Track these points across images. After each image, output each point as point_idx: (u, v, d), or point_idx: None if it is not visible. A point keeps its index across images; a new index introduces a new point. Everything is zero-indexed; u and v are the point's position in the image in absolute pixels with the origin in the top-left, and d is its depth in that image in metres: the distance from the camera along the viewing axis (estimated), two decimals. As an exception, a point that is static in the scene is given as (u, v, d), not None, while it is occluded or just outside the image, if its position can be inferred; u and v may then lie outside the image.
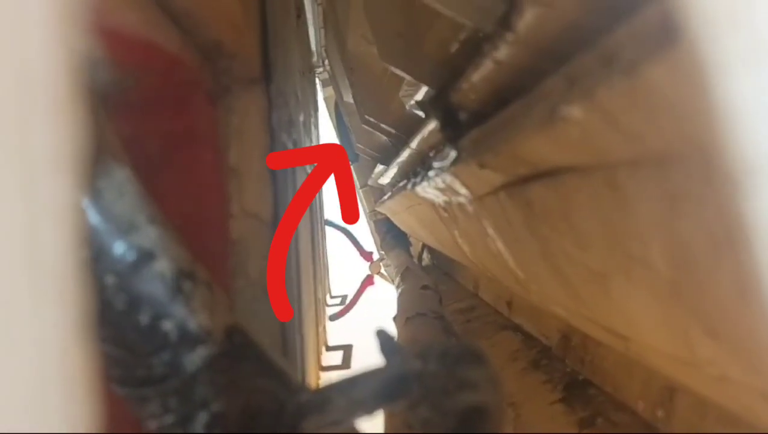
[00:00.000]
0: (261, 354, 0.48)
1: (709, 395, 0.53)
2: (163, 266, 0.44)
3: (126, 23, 0.37)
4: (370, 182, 2.65)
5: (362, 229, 3.34)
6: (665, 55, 0.26)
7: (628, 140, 0.35)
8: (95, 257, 0.42)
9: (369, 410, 0.48)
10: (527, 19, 0.46)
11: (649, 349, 0.52)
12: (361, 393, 0.48)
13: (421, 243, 2.84)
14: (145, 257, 0.43)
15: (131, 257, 0.43)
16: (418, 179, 1.10)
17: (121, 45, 0.40)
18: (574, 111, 0.37)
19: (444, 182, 0.86)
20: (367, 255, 3.31)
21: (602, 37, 0.35)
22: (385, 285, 3.19)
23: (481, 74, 0.59)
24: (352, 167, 2.86)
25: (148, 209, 0.45)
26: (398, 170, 1.66)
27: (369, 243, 3.36)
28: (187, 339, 0.44)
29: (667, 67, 0.26)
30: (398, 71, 1.00)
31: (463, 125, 0.72)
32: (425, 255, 2.88)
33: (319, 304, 1.65)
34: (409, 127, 1.34)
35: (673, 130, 0.30)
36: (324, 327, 1.84)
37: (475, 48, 0.65)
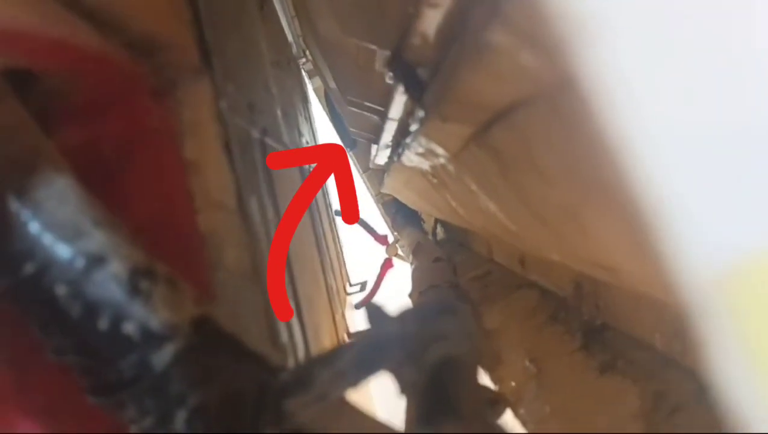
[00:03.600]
0: (234, 340, 0.47)
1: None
2: (115, 268, 0.43)
3: (26, 25, 0.36)
4: (371, 166, 2.64)
5: (374, 214, 3.33)
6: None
7: (552, 61, 0.33)
8: (43, 269, 0.41)
9: (353, 380, 0.47)
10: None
11: (634, 276, 0.51)
12: (343, 364, 0.47)
13: (433, 218, 2.82)
14: (96, 261, 0.42)
15: (81, 263, 0.42)
16: (401, 150, 1.08)
17: (28, 48, 0.39)
18: (495, 37, 0.35)
19: (421, 145, 0.85)
20: (382, 239, 3.29)
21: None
22: (405, 266, 3.18)
23: (425, 24, 0.57)
24: (350, 153, 2.84)
25: (93, 213, 0.44)
26: (391, 146, 1.65)
27: (382, 227, 3.35)
28: (152, 338, 0.43)
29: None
30: (363, 43, 0.98)
31: (424, 82, 0.70)
32: (439, 229, 2.86)
33: (332, 292, 1.64)
34: (391, 99, 1.33)
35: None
36: (342, 315, 1.83)
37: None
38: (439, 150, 0.79)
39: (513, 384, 1.08)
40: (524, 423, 0.92)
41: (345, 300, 2.27)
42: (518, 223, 0.77)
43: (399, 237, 3.03)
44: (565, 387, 0.99)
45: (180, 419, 0.44)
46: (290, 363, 0.65)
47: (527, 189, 0.58)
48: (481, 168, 0.69)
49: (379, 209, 3.18)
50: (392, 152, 1.48)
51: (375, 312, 0.53)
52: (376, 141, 2.00)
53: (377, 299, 3.03)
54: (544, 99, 0.40)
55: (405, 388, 0.46)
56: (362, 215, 3.36)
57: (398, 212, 2.96)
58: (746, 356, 0.19)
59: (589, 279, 1.09)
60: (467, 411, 0.38)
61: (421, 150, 0.87)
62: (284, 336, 0.63)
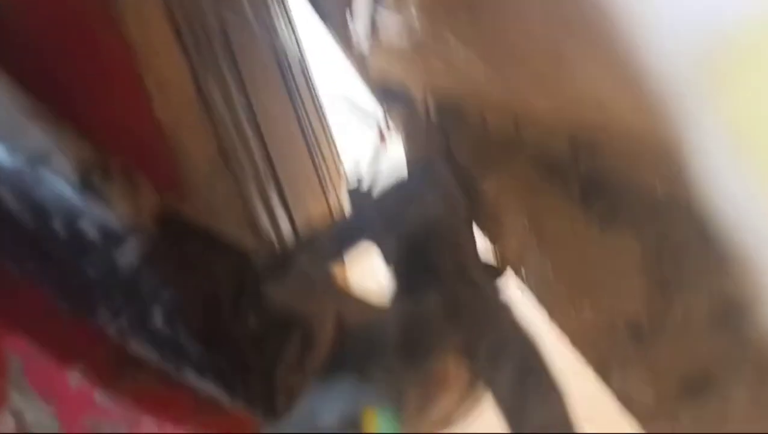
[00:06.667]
0: (205, 231, 0.45)
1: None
2: (61, 164, 0.39)
3: None
4: (354, 50, 2.53)
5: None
6: None
7: None
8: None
9: (333, 255, 0.45)
10: None
11: (625, 112, 0.47)
12: (321, 242, 0.45)
13: (424, 95, 2.74)
14: (38, 159, 0.39)
15: (21, 162, 0.39)
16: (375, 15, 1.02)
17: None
18: None
19: None
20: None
21: None
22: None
23: None
24: (334, 35, 2.73)
25: (32, 112, 0.40)
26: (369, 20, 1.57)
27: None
28: (111, 233, 0.40)
29: None
30: None
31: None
32: (431, 105, 2.79)
33: (322, 172, 1.61)
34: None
35: None
36: (338, 196, 1.81)
37: None
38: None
39: (513, 244, 1.07)
40: (528, 284, 0.92)
41: (339, 181, 2.25)
42: (501, 71, 0.73)
43: (391, 117, 2.96)
44: (566, 243, 0.98)
45: (157, 315, 0.42)
46: (277, 247, 0.63)
47: (505, 33, 0.54)
48: (453, 16, 0.64)
49: (369, 92, 3.08)
50: (371, 28, 1.40)
51: (354, 190, 0.51)
52: (352, 14, 1.91)
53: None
54: None
55: (388, 259, 0.44)
56: (352, 96, 3.30)
57: (388, 93, 2.88)
58: (730, 133, 0.16)
59: (584, 131, 1.06)
60: (450, 275, 0.35)
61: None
62: (265, 222, 0.60)
